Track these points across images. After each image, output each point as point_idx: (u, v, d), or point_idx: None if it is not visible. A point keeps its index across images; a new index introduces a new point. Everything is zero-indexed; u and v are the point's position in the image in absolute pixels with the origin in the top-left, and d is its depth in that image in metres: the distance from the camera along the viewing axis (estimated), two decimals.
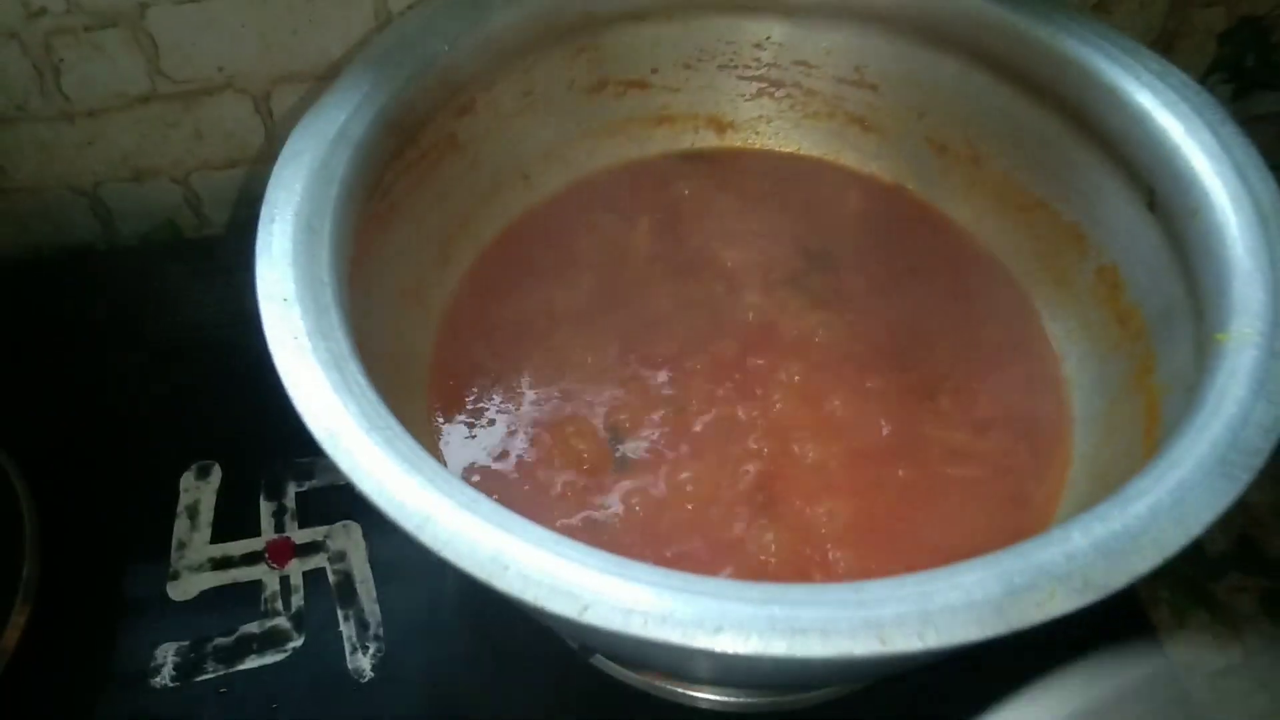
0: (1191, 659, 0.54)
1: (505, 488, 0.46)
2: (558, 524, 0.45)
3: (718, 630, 0.29)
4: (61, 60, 0.57)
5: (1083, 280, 0.51)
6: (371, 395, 0.35)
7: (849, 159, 0.61)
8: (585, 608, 0.30)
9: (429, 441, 0.47)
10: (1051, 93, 0.51)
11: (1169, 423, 0.42)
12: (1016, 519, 0.46)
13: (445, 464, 0.46)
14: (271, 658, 0.50)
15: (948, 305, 0.54)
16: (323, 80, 0.60)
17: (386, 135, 0.45)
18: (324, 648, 0.50)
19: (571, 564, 0.31)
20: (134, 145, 0.63)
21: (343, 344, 0.37)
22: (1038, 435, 0.49)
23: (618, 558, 0.31)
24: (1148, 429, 0.44)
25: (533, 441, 0.48)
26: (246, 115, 0.63)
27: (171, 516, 0.54)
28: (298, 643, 0.50)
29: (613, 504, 0.46)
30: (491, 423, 0.48)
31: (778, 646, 0.29)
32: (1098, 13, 0.64)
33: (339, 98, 0.44)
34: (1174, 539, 0.32)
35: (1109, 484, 0.43)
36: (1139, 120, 0.47)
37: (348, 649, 0.50)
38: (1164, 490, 0.33)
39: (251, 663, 0.49)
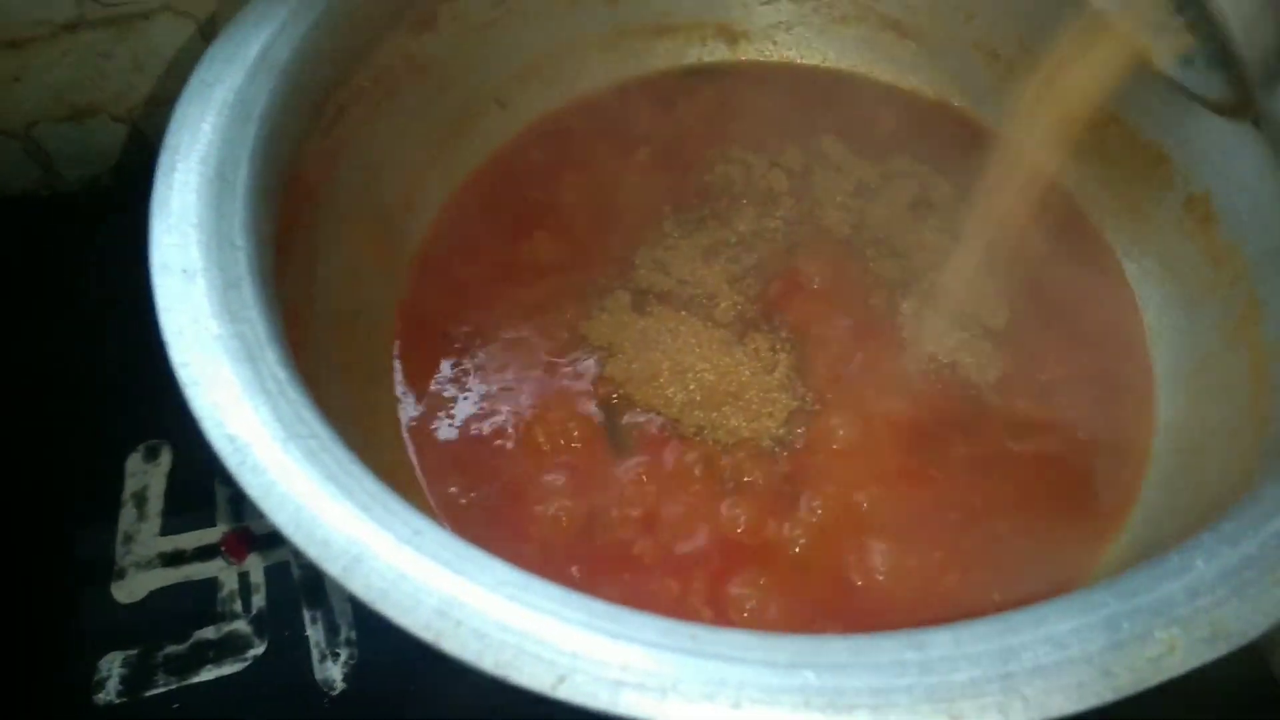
0: None
1: (485, 478, 0.41)
2: (546, 524, 0.39)
3: (735, 706, 0.23)
4: None
5: (1166, 212, 0.46)
6: (294, 393, 0.29)
7: (884, 71, 0.56)
8: (561, 679, 0.23)
9: (389, 425, 0.42)
10: None
11: None
12: (1092, 502, 0.41)
13: (412, 454, 0.40)
14: (230, 668, 0.46)
15: (1004, 243, 0.47)
16: None
17: (324, 58, 0.39)
18: (289, 655, 0.46)
19: (544, 616, 0.24)
20: (66, 80, 0.58)
21: (258, 326, 0.30)
22: (1113, 400, 0.43)
23: (606, 606, 0.25)
24: (1255, 395, 0.38)
25: (517, 418, 0.42)
26: (190, 41, 0.57)
27: (116, 505, 0.50)
28: (259, 650, 0.46)
29: (609, 495, 0.40)
30: (467, 397, 0.43)
31: None
32: None
33: (260, 14, 0.38)
34: None
35: (1206, 460, 0.39)
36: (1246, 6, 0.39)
37: (315, 656, 0.46)
38: None
39: (208, 674, 0.45)
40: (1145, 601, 0.25)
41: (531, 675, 0.24)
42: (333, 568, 0.25)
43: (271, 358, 0.29)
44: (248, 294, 0.31)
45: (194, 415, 0.28)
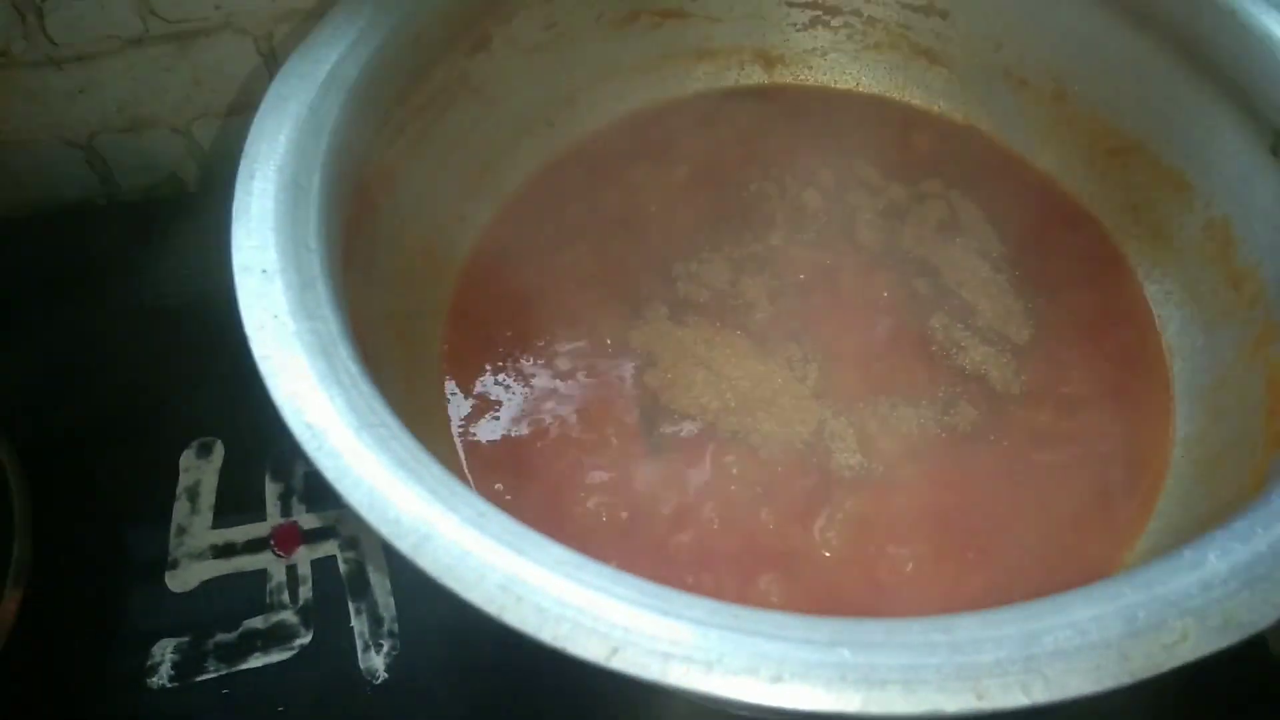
0: None
1: (528, 476, 0.42)
2: (586, 521, 0.41)
3: (776, 680, 0.24)
4: (44, 0, 0.53)
5: (1187, 235, 0.46)
6: (365, 385, 0.30)
7: (915, 96, 0.57)
8: (614, 650, 0.25)
9: (439, 423, 0.43)
10: (1155, 15, 0.46)
11: None
12: (1111, 512, 0.41)
13: (460, 451, 0.42)
14: (277, 656, 0.46)
15: (1029, 263, 0.49)
16: None
17: (387, 77, 0.41)
18: (334, 645, 0.46)
19: (598, 594, 0.26)
20: (128, 93, 0.59)
21: (331, 323, 0.32)
22: (1134, 414, 0.44)
23: (655, 586, 0.26)
24: (1270, 411, 0.39)
25: (560, 420, 0.44)
26: (248, 57, 0.59)
27: (171, 498, 0.51)
28: (305, 640, 0.47)
29: (647, 495, 0.41)
30: (512, 399, 0.44)
31: (851, 701, 0.24)
32: None
33: (330, 35, 0.39)
34: None
35: (1221, 473, 0.40)
36: (1263, 46, 0.41)
37: (359, 647, 0.46)
38: None
39: (255, 661, 0.46)
40: (1161, 593, 0.26)
41: (586, 647, 0.25)
42: (403, 544, 0.27)
43: (344, 352, 0.31)
44: (321, 293, 0.32)
45: (275, 404, 0.30)
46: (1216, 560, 0.27)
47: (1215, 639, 0.25)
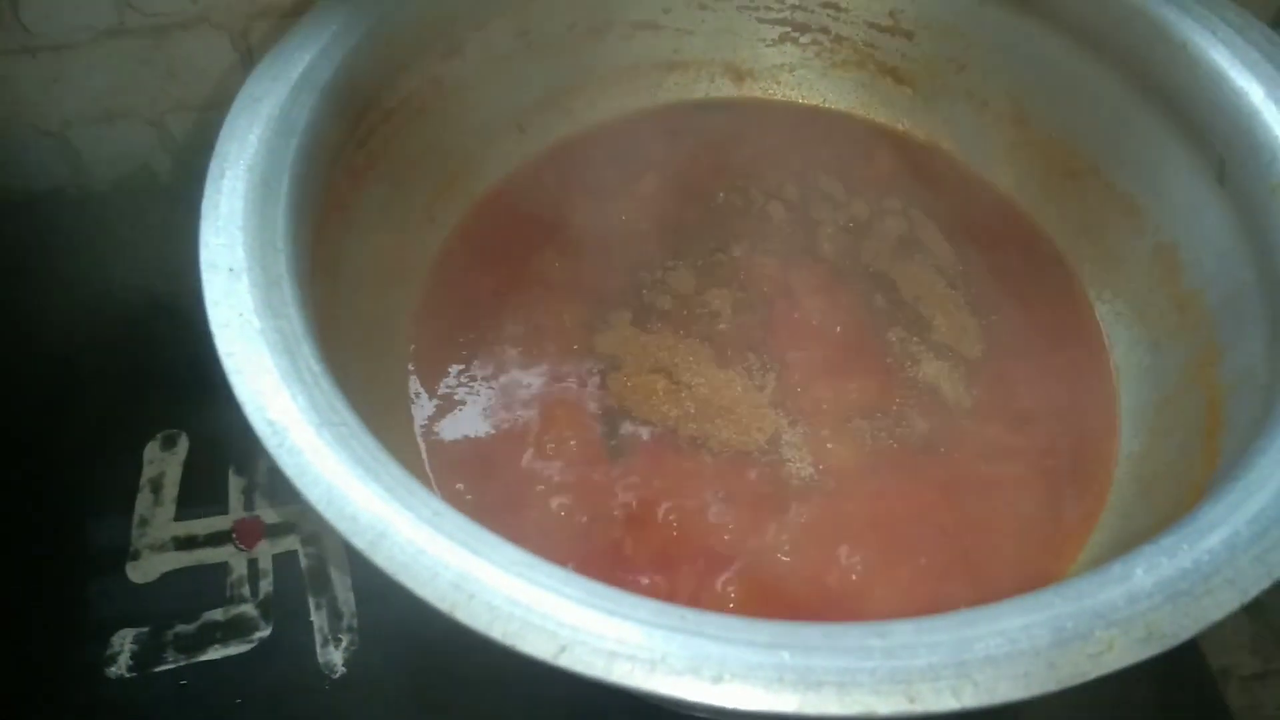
0: None
1: (489, 476, 0.42)
2: (546, 522, 0.41)
3: (717, 680, 0.25)
4: None
5: (1137, 258, 0.47)
6: (327, 384, 0.31)
7: (879, 114, 0.57)
8: (562, 649, 0.26)
9: (403, 422, 0.43)
10: (1110, 46, 0.46)
11: (1235, 427, 0.38)
12: (1055, 525, 0.42)
13: (422, 451, 0.42)
14: (236, 648, 0.46)
15: (985, 280, 0.50)
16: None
17: (360, 79, 0.41)
18: (293, 639, 0.47)
19: (548, 593, 0.27)
20: (102, 83, 0.59)
21: (295, 321, 0.32)
22: (1081, 430, 0.45)
23: (604, 587, 0.27)
24: (1209, 430, 0.40)
25: (523, 422, 0.44)
26: (224, 52, 0.59)
27: (134, 489, 0.51)
28: (265, 632, 0.47)
29: (606, 498, 0.42)
30: (476, 400, 0.45)
31: (788, 702, 0.25)
32: None
33: (304, 36, 0.40)
34: (1255, 579, 0.28)
35: (1161, 489, 0.40)
36: (1212, 80, 0.42)
37: (318, 641, 0.46)
38: (1242, 520, 0.29)
39: (215, 653, 0.46)
40: (1089, 604, 0.27)
41: (535, 645, 0.26)
42: (359, 541, 0.27)
43: (307, 351, 0.32)
44: (287, 292, 0.33)
45: (237, 401, 0.30)
46: (1143, 575, 0.28)
47: (1139, 650, 0.26)
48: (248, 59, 0.59)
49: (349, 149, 0.42)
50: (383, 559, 0.27)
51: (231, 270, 0.33)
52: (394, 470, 0.29)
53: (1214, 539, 0.29)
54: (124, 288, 0.58)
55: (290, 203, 0.36)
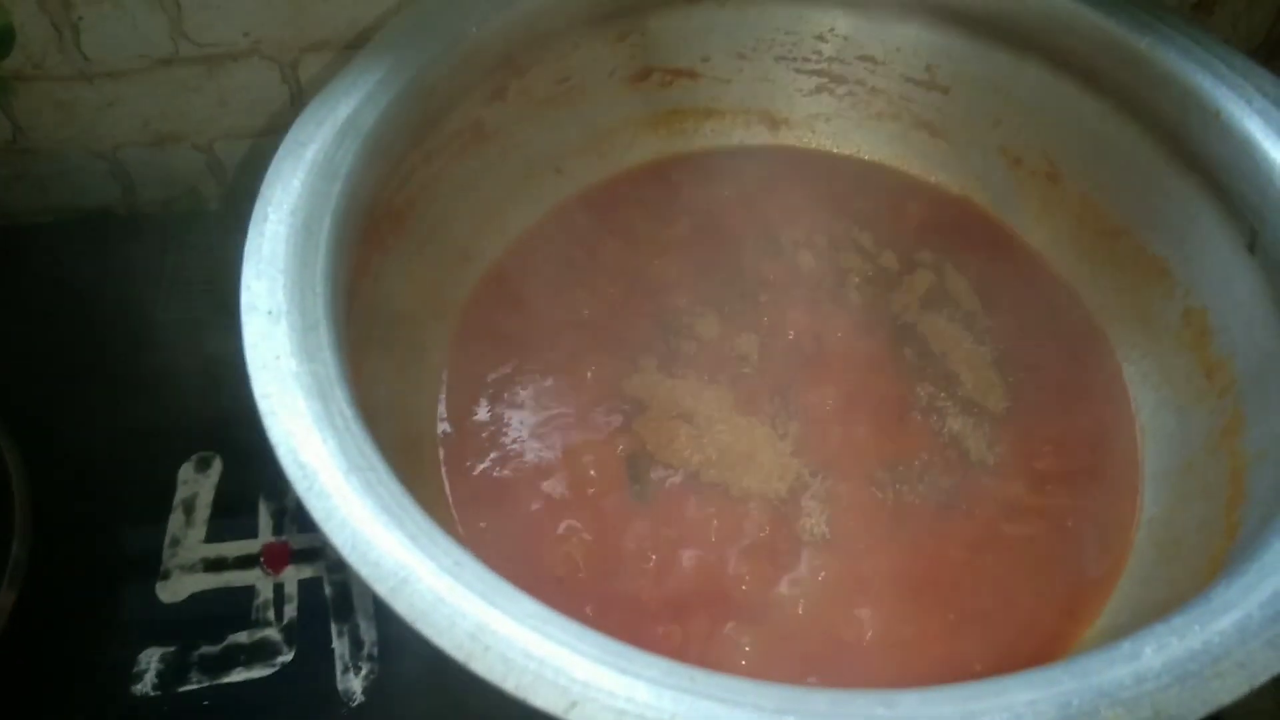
0: None
1: (513, 517, 0.43)
2: (566, 564, 0.42)
3: None
4: (80, 18, 0.55)
5: (1166, 322, 0.47)
6: (357, 429, 0.32)
7: (913, 166, 0.57)
8: (573, 704, 0.26)
9: (429, 459, 0.44)
10: (1146, 110, 0.46)
11: (1258, 498, 0.38)
12: (1074, 588, 0.42)
13: (447, 489, 0.43)
14: (259, 672, 0.47)
15: (1013, 336, 0.49)
16: (351, 50, 0.57)
17: (403, 124, 0.42)
18: (314, 665, 0.47)
19: (561, 648, 0.27)
20: (155, 109, 0.61)
21: (330, 366, 0.33)
22: (1104, 492, 0.45)
23: (617, 644, 0.28)
24: (1231, 500, 0.40)
25: (548, 463, 0.45)
26: (273, 83, 0.60)
27: (167, 509, 0.52)
28: (287, 657, 0.47)
29: (627, 541, 0.42)
30: (503, 439, 0.45)
31: None
32: (1197, 13, 0.58)
33: (350, 83, 0.41)
34: (1265, 664, 0.28)
35: (1180, 557, 0.40)
36: (1246, 149, 0.42)
37: (339, 668, 0.47)
38: (1255, 603, 0.29)
39: (238, 675, 0.47)
40: (1096, 682, 0.27)
41: (547, 699, 0.26)
42: (381, 588, 0.28)
43: (340, 395, 0.32)
44: (323, 336, 0.34)
45: (270, 442, 0.31)
46: (1152, 654, 0.28)
47: None
48: (296, 90, 0.60)
49: (390, 191, 0.42)
50: (403, 606, 0.28)
51: (270, 313, 0.33)
52: (418, 518, 0.30)
53: (1226, 621, 0.28)
54: (168, 308, 0.60)
55: (330, 246, 0.36)
